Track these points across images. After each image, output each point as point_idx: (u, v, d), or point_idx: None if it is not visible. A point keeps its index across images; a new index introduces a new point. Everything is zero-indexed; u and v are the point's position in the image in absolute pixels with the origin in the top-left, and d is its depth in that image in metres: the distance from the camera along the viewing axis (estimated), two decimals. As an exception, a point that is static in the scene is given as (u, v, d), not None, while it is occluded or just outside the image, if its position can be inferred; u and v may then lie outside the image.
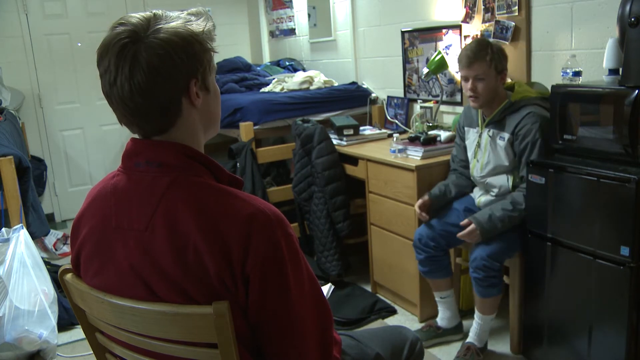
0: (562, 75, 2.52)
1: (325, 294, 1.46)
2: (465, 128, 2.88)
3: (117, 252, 1.12)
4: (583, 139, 2.32)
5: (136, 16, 1.10)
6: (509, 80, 2.76)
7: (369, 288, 3.56)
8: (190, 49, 1.09)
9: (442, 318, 2.91)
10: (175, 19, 1.11)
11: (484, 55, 2.57)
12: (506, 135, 2.63)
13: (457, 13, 3.38)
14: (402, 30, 3.88)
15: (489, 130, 2.70)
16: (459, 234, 2.60)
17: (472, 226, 2.55)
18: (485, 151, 2.72)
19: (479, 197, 2.82)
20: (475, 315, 2.73)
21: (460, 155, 2.94)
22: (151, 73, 1.05)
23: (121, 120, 1.14)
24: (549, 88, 2.47)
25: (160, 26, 1.08)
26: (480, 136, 2.75)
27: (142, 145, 1.15)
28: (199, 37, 1.11)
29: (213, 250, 1.03)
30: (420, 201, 2.84)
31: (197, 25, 1.12)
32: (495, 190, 2.71)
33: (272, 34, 5.76)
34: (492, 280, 2.57)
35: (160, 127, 1.13)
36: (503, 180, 2.69)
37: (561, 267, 2.37)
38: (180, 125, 1.14)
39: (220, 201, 1.08)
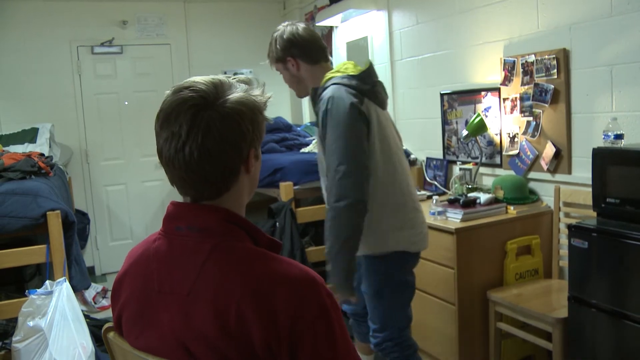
0: (604, 139, 2.51)
1: None
2: None
3: (160, 316, 1.13)
4: (627, 203, 2.28)
5: (202, 82, 1.13)
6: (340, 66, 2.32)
7: (406, 351, 3.48)
8: (255, 119, 1.14)
9: None
10: (237, 88, 1.15)
11: (268, 54, 2.37)
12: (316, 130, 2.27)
13: (496, 76, 3.42)
14: (441, 92, 3.93)
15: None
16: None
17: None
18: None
19: None
20: None
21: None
22: (222, 142, 1.09)
23: (175, 181, 1.15)
24: (590, 151, 2.45)
25: (229, 95, 1.12)
26: None
27: (183, 209, 1.16)
28: (261, 108, 1.16)
29: (260, 316, 1.03)
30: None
31: (260, 96, 1.17)
32: None
33: (312, 94, 5.87)
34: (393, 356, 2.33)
35: (216, 192, 1.15)
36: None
37: (607, 335, 2.29)
38: (233, 190, 1.16)
39: (265, 266, 1.09)
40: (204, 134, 1.07)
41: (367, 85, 2.21)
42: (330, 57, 2.44)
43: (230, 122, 1.09)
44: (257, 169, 1.22)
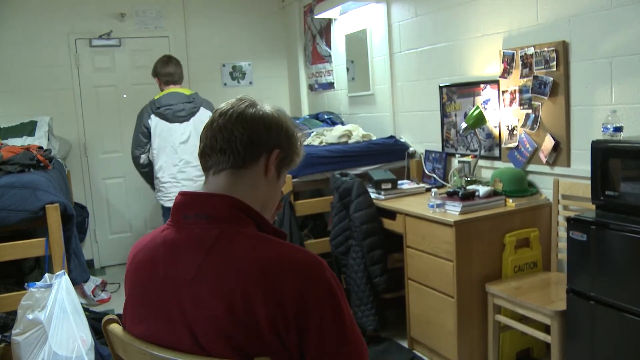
0: (603, 131, 2.50)
1: None
2: None
3: (165, 301, 1.14)
4: (626, 195, 2.28)
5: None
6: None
7: (405, 344, 3.49)
8: (287, 136, 1.29)
9: None
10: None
11: None
12: None
13: (495, 68, 3.41)
14: (440, 85, 3.92)
15: None
16: None
17: None
18: None
19: None
20: None
21: None
22: (250, 124, 1.23)
23: (201, 150, 1.27)
24: (589, 144, 2.45)
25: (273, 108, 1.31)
26: None
27: (191, 198, 1.20)
28: (295, 134, 1.31)
29: (266, 298, 1.05)
30: None
31: (299, 131, 1.34)
32: None
33: (311, 87, 5.87)
34: None
35: (235, 161, 1.22)
36: None
37: (606, 328, 2.30)
38: (249, 173, 1.23)
39: (271, 249, 1.12)
40: (238, 115, 1.24)
41: (154, 106, 4.00)
42: (177, 85, 4.12)
43: (263, 117, 1.25)
44: (272, 189, 1.29)
